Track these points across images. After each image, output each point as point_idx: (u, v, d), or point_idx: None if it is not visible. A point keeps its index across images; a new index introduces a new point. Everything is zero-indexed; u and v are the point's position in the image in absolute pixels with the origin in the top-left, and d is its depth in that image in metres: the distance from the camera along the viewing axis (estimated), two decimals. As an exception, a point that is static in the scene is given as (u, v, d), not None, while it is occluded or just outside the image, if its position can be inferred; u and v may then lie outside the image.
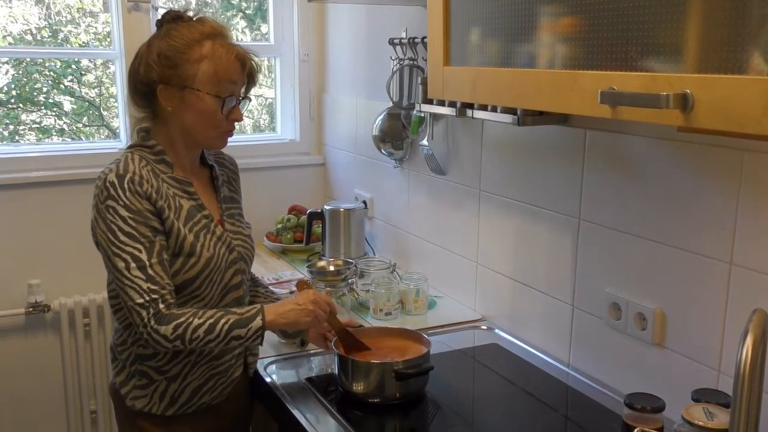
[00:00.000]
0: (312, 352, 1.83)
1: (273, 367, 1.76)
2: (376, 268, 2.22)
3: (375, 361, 1.58)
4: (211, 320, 1.43)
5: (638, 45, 1.05)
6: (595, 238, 1.66)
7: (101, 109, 2.95)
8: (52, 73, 2.84)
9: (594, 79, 1.12)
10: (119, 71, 2.70)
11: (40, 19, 2.72)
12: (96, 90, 2.94)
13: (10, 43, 2.67)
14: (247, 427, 1.79)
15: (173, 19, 1.51)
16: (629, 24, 1.06)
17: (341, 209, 2.53)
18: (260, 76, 1.60)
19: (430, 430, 1.54)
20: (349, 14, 2.73)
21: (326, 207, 2.55)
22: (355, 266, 2.15)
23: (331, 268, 2.08)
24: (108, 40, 2.77)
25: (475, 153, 2.06)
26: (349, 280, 2.07)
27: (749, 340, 0.93)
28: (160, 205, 1.45)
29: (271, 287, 1.91)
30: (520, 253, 1.92)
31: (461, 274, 2.17)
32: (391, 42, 2.29)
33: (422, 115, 2.17)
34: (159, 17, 1.54)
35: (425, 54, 1.88)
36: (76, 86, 2.89)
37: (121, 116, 2.78)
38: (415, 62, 2.24)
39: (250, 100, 1.60)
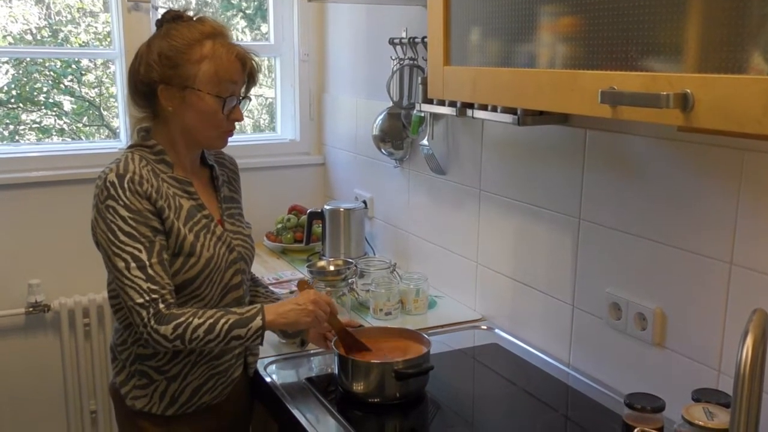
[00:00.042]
0: (312, 352, 1.83)
1: (273, 367, 1.76)
2: (376, 267, 2.22)
3: (375, 361, 1.58)
4: (211, 320, 1.43)
5: (638, 45, 1.05)
6: (595, 238, 1.66)
7: (101, 108, 2.95)
8: (52, 73, 2.84)
9: (594, 78, 1.12)
10: (119, 71, 2.70)
11: (40, 18, 2.72)
12: (96, 90, 2.94)
13: (10, 43, 2.67)
14: (247, 427, 1.79)
15: (173, 18, 1.51)
16: (629, 24, 1.06)
17: (341, 209, 2.53)
18: (260, 76, 1.60)
19: (430, 430, 1.54)
20: (349, 14, 2.73)
21: (326, 207, 2.55)
22: (355, 266, 2.15)
23: (331, 267, 2.08)
24: (108, 39, 2.77)
25: (475, 153, 2.06)
26: (349, 280, 2.07)
27: (749, 340, 0.93)
28: (160, 205, 1.45)
29: (271, 287, 1.91)
30: (520, 252, 1.92)
31: (461, 274, 2.17)
32: (391, 42, 2.29)
33: (422, 114, 2.17)
34: (159, 17, 1.54)
35: (425, 54, 1.88)
36: (76, 86, 2.89)
37: (121, 116, 2.78)
38: (415, 62, 2.24)
39: (250, 99, 1.60)
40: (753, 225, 1.30)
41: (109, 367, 1.74)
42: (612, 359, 1.64)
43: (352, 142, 2.78)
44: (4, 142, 2.69)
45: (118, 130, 2.84)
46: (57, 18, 2.76)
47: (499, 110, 1.68)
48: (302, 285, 1.67)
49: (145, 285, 1.41)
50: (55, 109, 2.87)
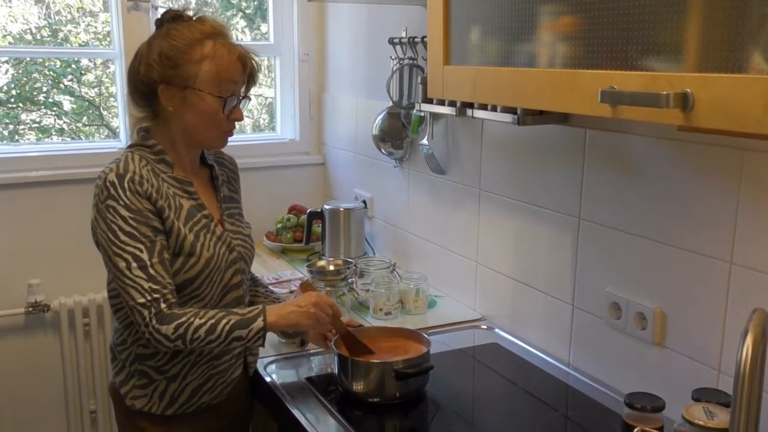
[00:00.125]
0: (312, 351, 1.83)
1: (273, 366, 1.76)
2: (376, 267, 2.22)
3: (375, 361, 1.58)
4: (213, 320, 1.43)
5: (638, 44, 1.05)
6: (595, 238, 1.66)
7: (101, 108, 2.95)
8: (51, 73, 2.84)
9: (594, 78, 1.12)
10: (119, 71, 2.70)
11: (39, 18, 2.72)
12: (96, 89, 2.94)
13: (10, 43, 2.67)
14: (247, 426, 1.79)
15: (173, 18, 1.51)
16: (629, 23, 1.06)
17: (341, 209, 2.53)
18: (260, 76, 1.60)
19: (430, 430, 1.54)
20: (349, 14, 2.73)
21: (326, 206, 2.55)
22: (355, 266, 2.15)
23: (331, 267, 2.08)
24: (108, 39, 2.76)
25: (475, 152, 2.06)
26: (349, 280, 2.07)
27: (749, 340, 0.93)
28: (160, 205, 1.45)
29: (270, 287, 1.92)
30: (520, 252, 1.92)
31: (461, 274, 2.17)
32: (391, 41, 2.29)
33: (422, 114, 2.17)
34: (159, 17, 1.54)
35: (425, 53, 1.88)
36: (75, 86, 2.89)
37: (120, 116, 2.78)
38: (415, 62, 2.24)
39: (250, 99, 1.60)
40: (753, 224, 1.30)
41: (109, 367, 1.74)
42: (612, 359, 1.64)
43: (352, 141, 2.78)
44: (4, 142, 2.69)
45: (117, 130, 2.84)
46: (57, 18, 2.75)
47: (498, 110, 1.68)
48: (305, 287, 1.68)
49: (146, 285, 1.41)
50: (54, 108, 2.86)
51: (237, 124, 1.57)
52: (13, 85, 2.77)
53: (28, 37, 2.71)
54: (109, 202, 1.42)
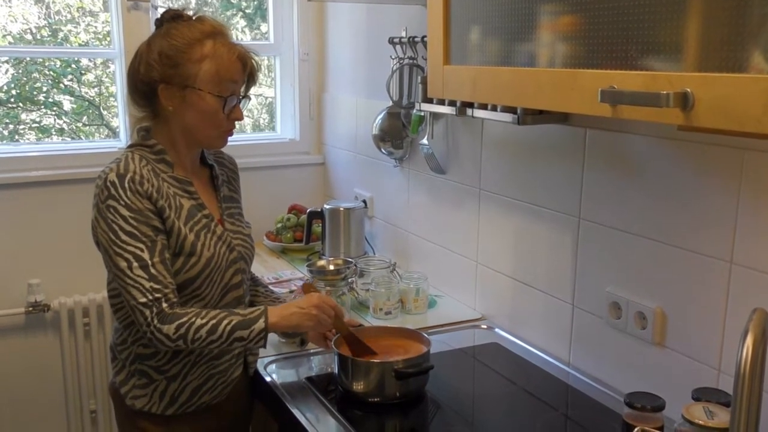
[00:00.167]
0: (312, 351, 1.83)
1: (273, 366, 1.76)
2: (376, 267, 2.22)
3: (375, 361, 1.58)
4: (214, 321, 1.43)
5: (638, 44, 1.05)
6: (595, 237, 1.66)
7: (101, 108, 2.95)
8: (51, 73, 2.84)
9: (594, 77, 1.12)
10: (119, 70, 2.69)
11: (39, 18, 2.72)
12: (96, 89, 2.94)
13: (10, 43, 2.67)
14: (247, 426, 1.79)
15: (173, 18, 1.51)
16: (629, 23, 1.06)
17: (341, 208, 2.53)
18: (260, 75, 1.60)
19: (430, 430, 1.54)
20: (349, 13, 2.73)
21: (326, 206, 2.55)
22: (355, 265, 2.15)
23: (331, 267, 2.08)
24: (108, 39, 2.76)
25: (475, 152, 2.06)
26: (349, 280, 2.07)
27: (749, 339, 0.93)
28: (160, 205, 1.45)
29: (271, 286, 1.92)
30: (520, 252, 1.92)
31: (461, 273, 2.17)
32: (391, 41, 2.29)
33: (422, 114, 2.16)
34: (158, 16, 1.54)
35: (425, 53, 1.87)
36: (75, 85, 2.89)
37: (120, 115, 2.78)
38: (415, 61, 2.24)
39: (250, 99, 1.60)
40: (753, 224, 1.30)
41: (109, 367, 1.74)
42: (612, 358, 1.64)
43: (352, 141, 2.78)
44: (4, 142, 2.69)
45: (117, 130, 2.84)
46: (57, 17, 2.75)
47: (499, 109, 1.68)
48: (307, 288, 1.68)
49: (147, 284, 1.41)
50: (54, 108, 2.87)
51: (237, 124, 1.57)
52: (13, 85, 2.77)
53: (28, 36, 2.71)
54: (110, 202, 1.42)
